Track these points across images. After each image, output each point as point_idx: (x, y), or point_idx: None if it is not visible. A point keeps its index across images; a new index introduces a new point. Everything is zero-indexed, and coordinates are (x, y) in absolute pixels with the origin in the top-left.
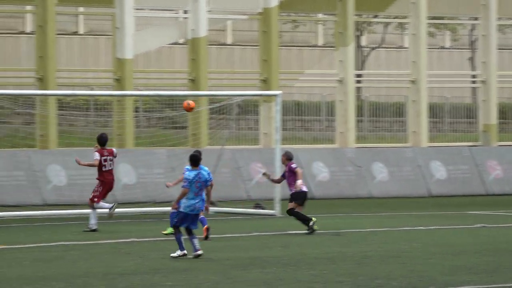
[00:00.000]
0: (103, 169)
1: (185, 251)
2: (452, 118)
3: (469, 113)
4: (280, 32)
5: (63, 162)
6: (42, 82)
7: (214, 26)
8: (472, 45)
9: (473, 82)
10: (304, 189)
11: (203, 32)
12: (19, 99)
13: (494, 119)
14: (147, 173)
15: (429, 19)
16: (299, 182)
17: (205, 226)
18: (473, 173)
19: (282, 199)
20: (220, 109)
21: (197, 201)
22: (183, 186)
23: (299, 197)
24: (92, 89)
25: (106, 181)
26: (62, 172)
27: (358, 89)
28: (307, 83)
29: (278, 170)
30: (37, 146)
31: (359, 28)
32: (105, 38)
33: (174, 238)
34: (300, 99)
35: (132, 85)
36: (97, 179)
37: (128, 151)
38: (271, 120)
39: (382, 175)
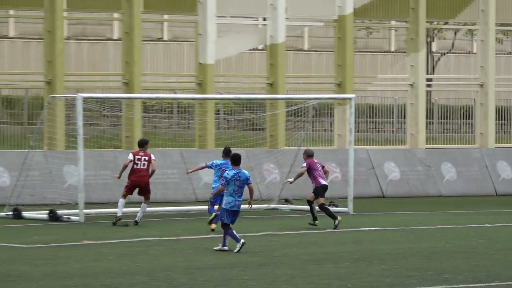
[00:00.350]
0: (135, 166)
1: (226, 247)
2: None
3: None
4: (354, 38)
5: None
6: (128, 86)
7: (291, 32)
8: None
9: None
10: (324, 182)
11: (281, 38)
12: (106, 102)
13: None
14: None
15: (497, 26)
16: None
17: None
18: None
19: (355, 198)
20: (296, 112)
21: (236, 197)
22: (221, 184)
23: (322, 190)
24: (175, 93)
25: (132, 179)
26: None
27: (429, 93)
28: (379, 87)
29: (352, 170)
30: (123, 147)
31: (430, 35)
32: (188, 44)
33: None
34: (373, 102)
35: (213, 89)
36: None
37: (209, 152)
38: (345, 122)
39: (450, 174)
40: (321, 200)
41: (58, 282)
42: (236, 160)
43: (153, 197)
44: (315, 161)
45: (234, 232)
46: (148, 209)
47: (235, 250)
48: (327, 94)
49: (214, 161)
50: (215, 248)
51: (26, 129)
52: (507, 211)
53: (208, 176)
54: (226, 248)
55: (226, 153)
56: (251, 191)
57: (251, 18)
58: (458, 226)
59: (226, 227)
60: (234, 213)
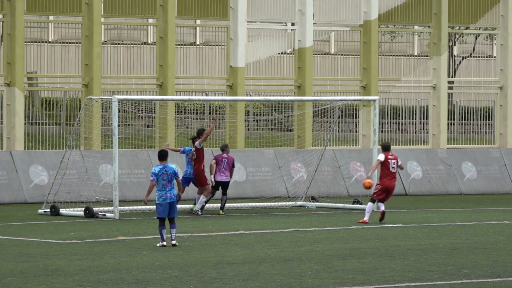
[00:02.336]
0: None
1: (165, 243)
2: None
3: None
4: (379, 42)
5: (181, 161)
6: (162, 88)
7: (318, 37)
8: None
9: None
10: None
11: (309, 42)
12: (140, 103)
13: None
14: (256, 171)
15: None
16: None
17: None
18: None
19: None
20: (323, 113)
21: (166, 191)
22: (151, 180)
23: None
24: (207, 95)
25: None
26: (178, 170)
27: (450, 95)
28: (403, 89)
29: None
30: (156, 146)
31: (452, 39)
32: (219, 48)
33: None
34: (396, 104)
35: (244, 91)
36: None
37: (239, 151)
38: (370, 123)
39: (471, 173)
40: None
41: (93, 276)
42: (162, 155)
43: (185, 194)
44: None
45: (163, 231)
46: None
47: (158, 244)
48: (352, 96)
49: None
50: (157, 244)
51: (64, 129)
52: None
53: (238, 174)
54: (164, 243)
55: (222, 148)
56: (178, 184)
57: (280, 23)
58: (477, 223)
59: (160, 222)
60: (169, 205)
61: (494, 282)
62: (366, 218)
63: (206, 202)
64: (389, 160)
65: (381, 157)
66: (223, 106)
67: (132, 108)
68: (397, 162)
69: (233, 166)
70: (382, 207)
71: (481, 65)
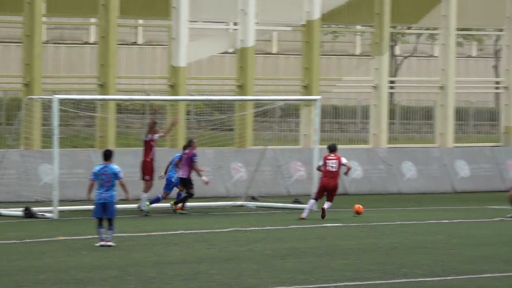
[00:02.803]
0: None
1: (102, 242)
2: (476, 121)
3: (492, 116)
4: (321, 42)
5: (120, 161)
6: (103, 88)
7: (261, 37)
8: (496, 54)
9: (496, 88)
10: None
11: (251, 42)
12: (81, 103)
13: None
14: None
15: (458, 31)
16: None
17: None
18: (494, 171)
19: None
20: (264, 113)
21: (102, 191)
22: (90, 179)
23: None
24: (148, 94)
25: None
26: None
27: (391, 95)
28: (344, 89)
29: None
30: (97, 146)
31: (394, 39)
32: (161, 48)
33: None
34: (337, 104)
35: (185, 91)
36: None
37: (180, 151)
38: (311, 122)
39: (411, 173)
40: None
41: (32, 276)
42: (105, 155)
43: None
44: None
45: (101, 230)
46: (121, 206)
47: (97, 244)
48: (294, 95)
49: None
50: (96, 244)
51: (4, 129)
52: (464, 208)
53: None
54: (103, 243)
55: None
56: (122, 186)
57: (222, 23)
58: (417, 222)
59: (97, 221)
60: (103, 206)
61: (434, 281)
62: (304, 215)
63: (185, 200)
64: (328, 161)
65: (321, 163)
66: (164, 106)
67: (73, 108)
68: (340, 161)
69: (191, 161)
70: (325, 204)
71: (422, 64)
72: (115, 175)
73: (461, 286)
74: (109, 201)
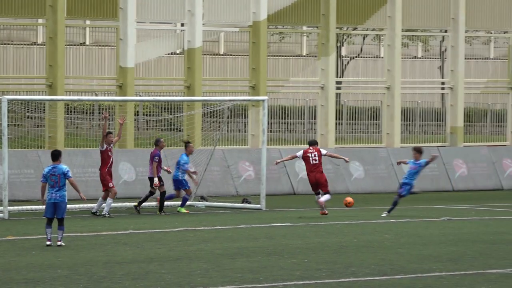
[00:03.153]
0: None
1: (48, 242)
2: (423, 121)
3: (438, 116)
4: (268, 43)
5: (70, 161)
6: (51, 88)
7: (208, 37)
8: (441, 55)
9: (442, 88)
10: None
11: (198, 43)
12: (30, 104)
13: (460, 122)
14: (145, 170)
15: (403, 32)
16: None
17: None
18: (441, 171)
19: (267, 195)
20: (212, 113)
21: (52, 191)
22: (41, 181)
23: None
24: (96, 95)
25: None
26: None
27: (338, 95)
28: (292, 89)
29: (265, 168)
30: (46, 147)
31: (340, 40)
32: (109, 49)
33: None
34: (285, 104)
35: (133, 91)
36: None
37: (128, 151)
38: (259, 123)
39: (358, 172)
40: None
41: None
42: (53, 156)
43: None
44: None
45: (48, 230)
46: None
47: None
48: (241, 96)
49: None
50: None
51: None
52: (411, 207)
53: (128, 174)
54: (48, 242)
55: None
56: (72, 185)
57: (169, 23)
58: (365, 222)
59: (47, 220)
60: (54, 206)
61: (381, 280)
62: (323, 210)
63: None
64: (309, 154)
65: (299, 153)
66: (113, 106)
67: (21, 109)
68: (320, 153)
69: (152, 160)
70: (322, 198)
71: (368, 65)
72: (64, 175)
73: (409, 285)
74: (59, 201)
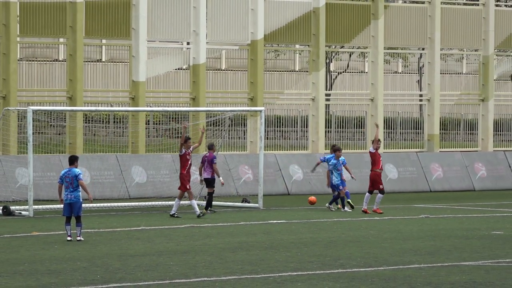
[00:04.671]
0: None
1: (68, 238)
2: (403, 129)
3: (417, 125)
4: (264, 59)
5: (88, 165)
6: (71, 100)
7: (211, 55)
8: (419, 70)
9: (420, 100)
10: None
11: (202, 59)
12: (52, 114)
13: (436, 130)
14: (155, 173)
15: (385, 49)
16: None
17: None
18: (419, 174)
19: (264, 195)
20: (215, 122)
21: (68, 193)
22: (58, 182)
23: None
24: (112, 106)
25: None
26: (87, 173)
27: (327, 106)
28: (286, 101)
29: (262, 171)
30: (67, 152)
31: (329, 56)
32: (123, 65)
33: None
34: (280, 114)
35: (144, 102)
36: None
37: (140, 156)
38: (256, 131)
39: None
40: None
41: (10, 267)
42: (69, 160)
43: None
44: None
45: (68, 227)
46: (87, 205)
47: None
48: (241, 107)
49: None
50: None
51: None
52: (393, 207)
53: (140, 176)
54: (70, 238)
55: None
56: (82, 186)
57: (176, 42)
58: (352, 219)
59: (65, 219)
60: (69, 205)
61: (366, 271)
62: (365, 207)
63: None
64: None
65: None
66: (126, 116)
67: (45, 118)
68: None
69: (212, 162)
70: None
71: (354, 79)
72: (76, 177)
73: (391, 276)
74: (73, 201)
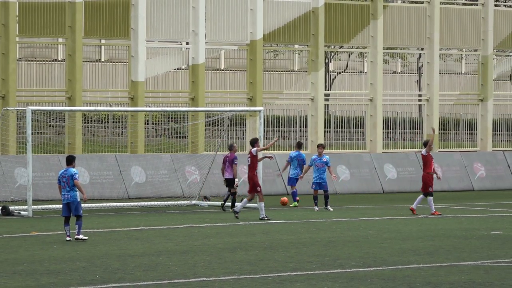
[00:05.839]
0: None
1: (67, 238)
2: (402, 129)
3: (416, 125)
4: (263, 59)
5: (87, 165)
6: (70, 100)
7: (210, 55)
8: (418, 70)
9: (419, 100)
10: None
11: (201, 59)
12: (51, 114)
13: (435, 130)
14: (154, 173)
15: (384, 49)
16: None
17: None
18: (418, 174)
19: (264, 195)
20: (214, 122)
21: (65, 192)
22: (76, 179)
23: None
24: (111, 106)
25: None
26: (86, 173)
27: (326, 106)
28: (285, 101)
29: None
30: (66, 152)
31: (328, 57)
32: (122, 64)
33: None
34: (279, 114)
35: (143, 102)
36: None
37: (139, 156)
38: (255, 130)
39: (345, 175)
40: None
41: (9, 267)
42: (67, 160)
43: (91, 194)
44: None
45: (67, 228)
46: (85, 205)
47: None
48: (240, 107)
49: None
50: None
51: None
52: (392, 206)
53: (139, 176)
54: (76, 236)
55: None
56: (77, 186)
57: (175, 42)
58: (351, 219)
59: (64, 219)
60: (67, 205)
61: (366, 271)
62: (434, 210)
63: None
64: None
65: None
66: (125, 116)
67: (44, 118)
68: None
69: (232, 163)
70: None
71: (353, 79)
72: (72, 177)
73: (390, 276)
74: (70, 201)
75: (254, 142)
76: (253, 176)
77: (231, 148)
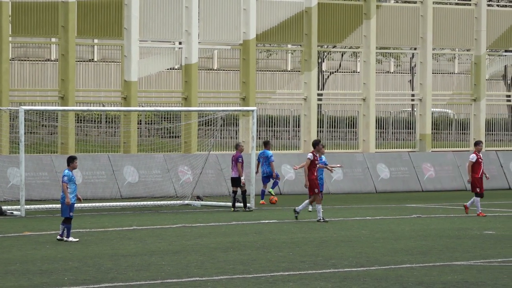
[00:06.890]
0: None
1: (58, 237)
2: (395, 129)
3: (409, 125)
4: (256, 59)
5: (80, 165)
6: (63, 100)
7: (203, 54)
8: (411, 70)
9: (412, 100)
10: None
11: (194, 59)
12: (44, 113)
13: (428, 130)
14: (147, 173)
15: (377, 49)
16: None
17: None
18: (411, 174)
19: (256, 195)
20: (207, 122)
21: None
22: (63, 182)
23: None
24: (104, 106)
25: None
26: (78, 173)
27: (319, 106)
28: (278, 100)
29: (254, 171)
30: (59, 152)
31: (321, 56)
32: (115, 64)
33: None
34: (272, 114)
35: (136, 102)
36: None
37: (132, 156)
38: (248, 130)
39: (338, 175)
40: None
41: (2, 267)
42: (66, 161)
43: (84, 194)
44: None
45: (61, 226)
46: (78, 205)
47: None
48: (233, 106)
49: None
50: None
51: None
52: (385, 206)
53: (132, 176)
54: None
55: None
56: (62, 188)
57: (168, 42)
58: (343, 219)
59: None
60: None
61: (358, 271)
62: (480, 211)
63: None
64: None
65: (473, 158)
66: (118, 116)
67: (36, 118)
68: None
69: (237, 161)
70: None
71: (346, 79)
72: (62, 178)
73: (383, 275)
74: (60, 202)
75: (316, 144)
76: (312, 179)
77: (237, 147)
